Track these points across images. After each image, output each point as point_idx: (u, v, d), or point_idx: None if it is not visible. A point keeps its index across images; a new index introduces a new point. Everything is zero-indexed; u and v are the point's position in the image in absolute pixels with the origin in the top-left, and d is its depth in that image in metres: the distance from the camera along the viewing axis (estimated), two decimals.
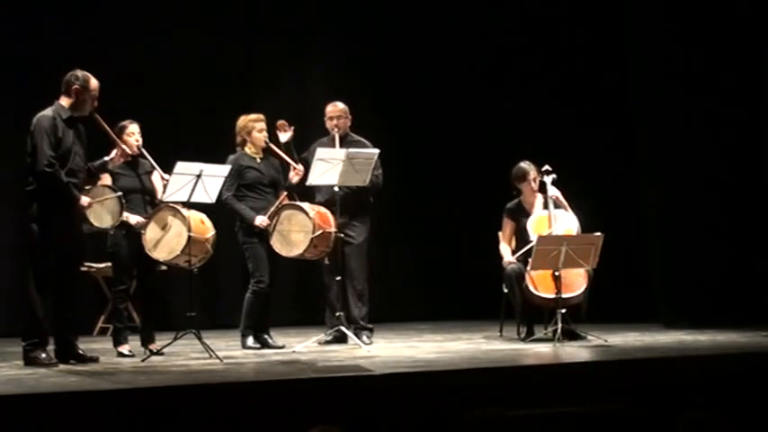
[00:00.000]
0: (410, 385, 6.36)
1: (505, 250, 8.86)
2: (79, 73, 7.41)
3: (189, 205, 7.82)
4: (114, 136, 7.75)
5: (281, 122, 8.53)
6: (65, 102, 7.39)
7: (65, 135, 7.29)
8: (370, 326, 8.73)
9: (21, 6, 10.12)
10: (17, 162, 7.90)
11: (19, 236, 8.57)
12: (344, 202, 8.43)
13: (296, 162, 8.43)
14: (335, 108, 8.80)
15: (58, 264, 7.29)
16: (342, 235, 8.41)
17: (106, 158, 7.73)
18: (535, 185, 8.81)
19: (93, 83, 7.44)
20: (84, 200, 7.35)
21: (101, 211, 7.48)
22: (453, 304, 11.28)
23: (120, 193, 7.53)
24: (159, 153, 8.08)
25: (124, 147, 7.77)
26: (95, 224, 7.48)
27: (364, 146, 8.65)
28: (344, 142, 8.67)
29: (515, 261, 8.67)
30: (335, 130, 8.70)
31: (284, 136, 8.48)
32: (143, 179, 8.07)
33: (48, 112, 7.32)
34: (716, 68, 9.67)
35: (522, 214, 8.86)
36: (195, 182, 7.67)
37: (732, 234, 9.65)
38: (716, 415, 4.32)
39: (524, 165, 8.87)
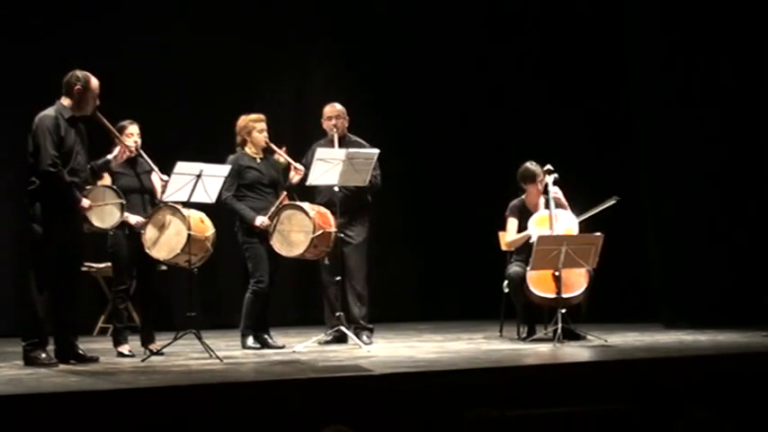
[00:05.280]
0: (410, 385, 6.36)
1: (514, 234, 8.83)
2: (80, 73, 7.41)
3: (188, 205, 7.82)
4: (116, 133, 7.76)
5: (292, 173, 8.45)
6: (66, 102, 7.39)
7: (67, 134, 7.29)
8: (370, 326, 8.74)
9: (21, 6, 10.12)
10: (18, 162, 7.90)
11: (20, 236, 8.57)
12: (344, 202, 8.43)
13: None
14: (333, 109, 8.81)
15: (58, 264, 7.29)
16: (341, 235, 8.41)
17: (109, 157, 7.74)
18: (541, 187, 8.80)
19: (94, 83, 7.44)
20: (86, 202, 7.34)
21: (101, 211, 7.49)
22: (453, 304, 11.29)
23: (122, 201, 7.52)
24: (159, 153, 8.08)
25: (127, 143, 7.78)
26: (96, 224, 7.49)
27: (362, 146, 8.66)
28: (343, 143, 8.67)
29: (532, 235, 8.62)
30: (334, 130, 8.71)
31: (296, 178, 8.44)
32: (142, 178, 8.07)
33: (50, 111, 7.32)
34: (716, 68, 9.67)
35: (524, 214, 8.85)
36: (195, 182, 7.67)
37: (732, 234, 9.66)
38: (716, 415, 4.32)
39: (532, 166, 8.84)
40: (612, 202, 8.88)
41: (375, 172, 8.58)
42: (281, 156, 8.46)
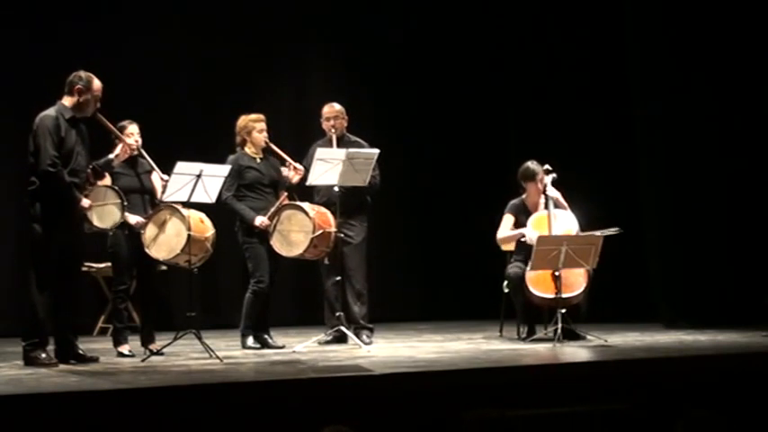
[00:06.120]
0: (410, 385, 6.36)
1: (507, 231, 8.81)
2: (83, 74, 7.40)
3: (188, 205, 7.82)
4: (117, 132, 7.76)
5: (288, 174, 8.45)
6: (67, 102, 7.38)
7: (67, 135, 7.28)
8: (370, 326, 8.73)
9: (22, 6, 10.12)
10: (19, 162, 7.90)
11: (20, 236, 8.57)
12: (343, 202, 8.43)
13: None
14: (332, 109, 8.80)
15: (59, 264, 7.29)
16: (341, 235, 8.41)
17: (110, 156, 7.74)
18: (541, 186, 8.79)
19: (97, 84, 7.43)
20: (85, 202, 7.34)
21: (102, 211, 7.49)
22: (453, 304, 11.28)
23: (124, 202, 7.51)
24: (159, 153, 8.08)
25: (128, 141, 7.79)
26: (96, 224, 7.49)
27: (361, 146, 8.65)
28: (342, 143, 8.67)
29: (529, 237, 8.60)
30: (333, 130, 8.71)
31: (296, 178, 8.44)
32: (142, 178, 8.07)
33: (50, 111, 7.31)
34: (716, 68, 9.67)
35: (524, 213, 8.86)
36: (195, 182, 7.66)
37: (732, 234, 9.66)
38: (716, 415, 4.33)
39: (533, 165, 8.83)
40: (614, 232, 8.77)
41: (374, 172, 8.57)
42: (282, 156, 8.46)
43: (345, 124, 8.82)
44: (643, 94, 9.97)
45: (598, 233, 8.41)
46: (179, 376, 6.68)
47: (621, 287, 10.14)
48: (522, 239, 8.68)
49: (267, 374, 6.84)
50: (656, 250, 9.94)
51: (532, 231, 8.64)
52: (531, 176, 8.82)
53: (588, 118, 10.79)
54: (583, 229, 8.71)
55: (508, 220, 8.89)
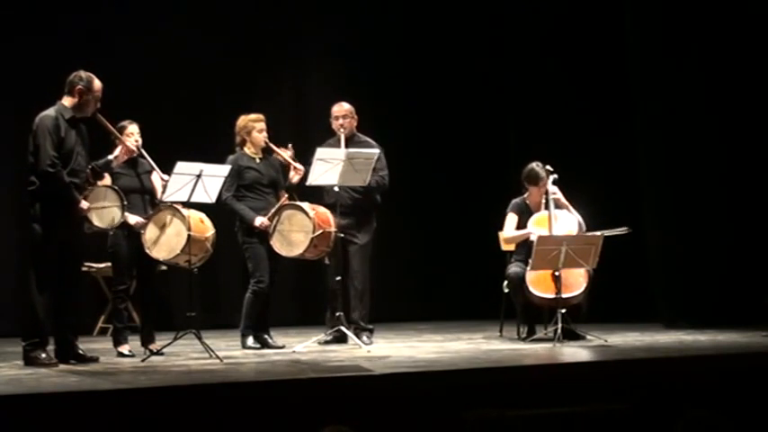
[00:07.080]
0: (410, 385, 6.36)
1: (512, 230, 8.81)
2: (83, 74, 7.40)
3: (188, 205, 7.82)
4: (117, 134, 7.76)
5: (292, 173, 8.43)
6: (67, 102, 7.38)
7: (67, 135, 7.28)
8: (371, 326, 8.73)
9: (22, 6, 10.12)
10: (19, 162, 7.90)
11: (20, 236, 8.57)
12: (351, 203, 8.44)
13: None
14: (341, 108, 8.78)
15: (58, 264, 7.29)
16: (342, 235, 8.40)
17: (110, 157, 7.74)
18: (544, 190, 8.77)
19: (97, 84, 7.43)
20: (84, 204, 7.33)
21: (101, 211, 7.48)
22: (453, 304, 11.28)
23: (124, 202, 7.51)
24: (159, 153, 8.08)
25: (128, 143, 7.79)
26: (96, 224, 7.49)
27: (370, 146, 8.63)
28: (351, 142, 8.66)
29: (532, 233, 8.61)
30: (341, 130, 8.69)
31: (286, 153, 8.42)
32: (143, 179, 8.07)
33: (50, 111, 7.31)
34: (717, 68, 9.67)
35: (526, 212, 8.85)
36: (195, 182, 7.66)
37: (733, 234, 9.66)
38: (716, 415, 4.33)
39: (538, 168, 8.79)
40: (622, 232, 8.77)
41: (382, 172, 8.58)
42: (281, 155, 8.45)
43: (355, 123, 8.79)
44: (643, 93, 9.97)
45: (607, 233, 8.42)
46: (179, 376, 6.68)
47: (621, 287, 10.14)
48: (532, 239, 8.66)
49: (267, 374, 6.84)
50: (657, 250, 9.94)
51: (540, 230, 8.63)
52: (535, 180, 8.80)
53: (588, 118, 10.78)
54: (587, 229, 8.71)
55: (512, 219, 8.88)
